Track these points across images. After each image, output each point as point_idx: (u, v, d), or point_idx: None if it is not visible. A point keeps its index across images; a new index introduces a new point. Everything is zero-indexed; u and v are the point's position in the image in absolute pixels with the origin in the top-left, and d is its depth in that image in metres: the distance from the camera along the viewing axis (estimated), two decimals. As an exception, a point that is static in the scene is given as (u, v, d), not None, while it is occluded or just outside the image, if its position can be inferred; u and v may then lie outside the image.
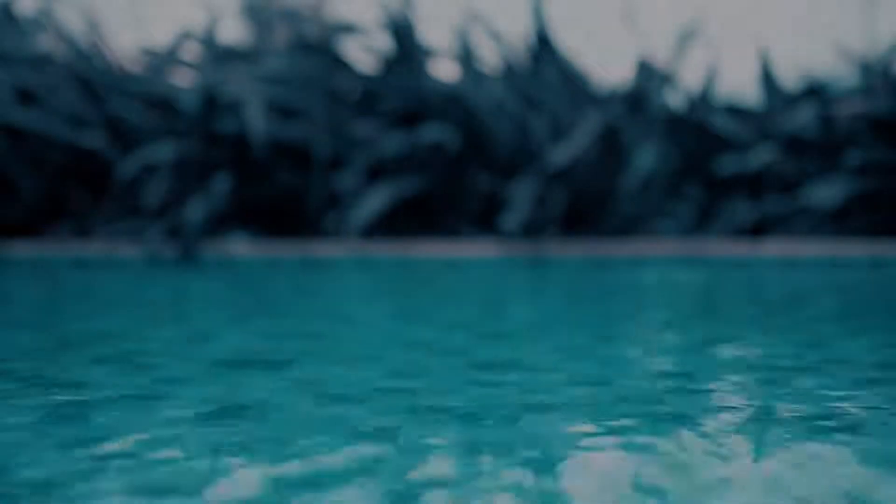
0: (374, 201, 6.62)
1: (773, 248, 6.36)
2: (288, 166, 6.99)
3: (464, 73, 7.28)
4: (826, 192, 6.84)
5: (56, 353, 2.19)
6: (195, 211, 6.38)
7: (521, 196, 6.70)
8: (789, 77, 7.75)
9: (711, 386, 1.77)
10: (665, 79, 7.39)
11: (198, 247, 6.20)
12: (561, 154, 6.86)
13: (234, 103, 6.81)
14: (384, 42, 7.39)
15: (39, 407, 1.58)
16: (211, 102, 6.76)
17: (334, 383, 1.80)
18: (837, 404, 1.59)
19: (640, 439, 1.35)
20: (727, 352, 2.22)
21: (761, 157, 6.98)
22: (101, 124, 6.93)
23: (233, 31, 7.62)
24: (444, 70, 7.41)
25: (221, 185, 6.63)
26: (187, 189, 6.69)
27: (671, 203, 7.15)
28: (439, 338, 2.47)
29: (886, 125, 7.14)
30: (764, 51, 7.58)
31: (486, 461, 1.22)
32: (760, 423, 1.44)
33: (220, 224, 6.77)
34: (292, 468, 1.19)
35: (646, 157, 7.03)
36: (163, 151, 6.65)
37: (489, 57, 7.56)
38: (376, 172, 7.02)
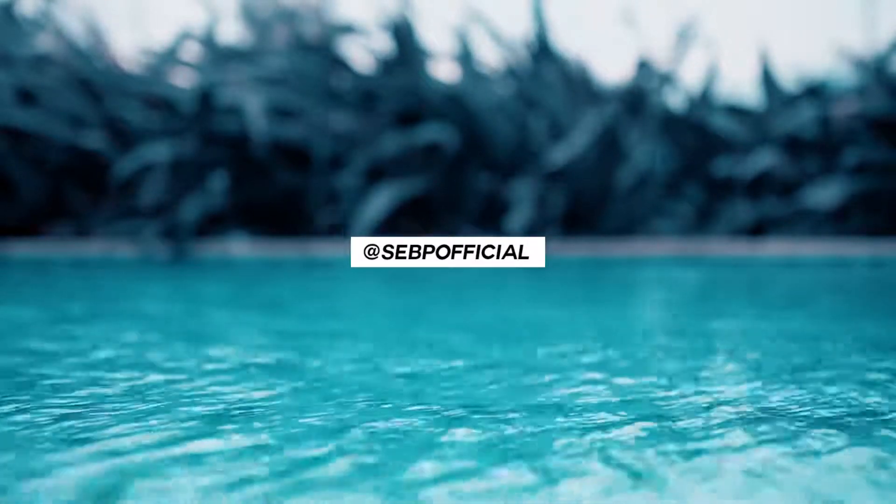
0: (380, 202, 6.61)
1: (772, 247, 6.36)
2: (287, 166, 6.99)
3: (464, 73, 7.28)
4: (825, 193, 6.84)
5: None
6: (189, 210, 6.38)
7: (522, 196, 6.69)
8: (789, 77, 7.75)
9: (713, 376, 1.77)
10: (665, 79, 7.38)
11: (189, 246, 6.19)
12: (560, 154, 6.85)
13: (233, 103, 6.81)
14: (384, 42, 7.38)
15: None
16: (208, 101, 6.75)
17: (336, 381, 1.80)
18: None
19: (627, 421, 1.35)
20: (732, 352, 2.22)
21: (762, 160, 6.98)
22: (101, 124, 6.93)
23: (232, 32, 7.61)
24: (444, 70, 7.40)
25: (217, 184, 6.62)
26: (184, 189, 6.69)
27: (671, 203, 7.15)
28: (443, 338, 2.47)
29: (885, 125, 7.14)
30: (764, 51, 7.58)
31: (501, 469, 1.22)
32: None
33: (219, 224, 6.76)
34: (289, 462, 1.19)
35: (645, 157, 7.03)
36: (159, 151, 6.65)
37: (489, 57, 7.55)
38: (376, 173, 7.02)
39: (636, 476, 1.16)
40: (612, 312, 3.20)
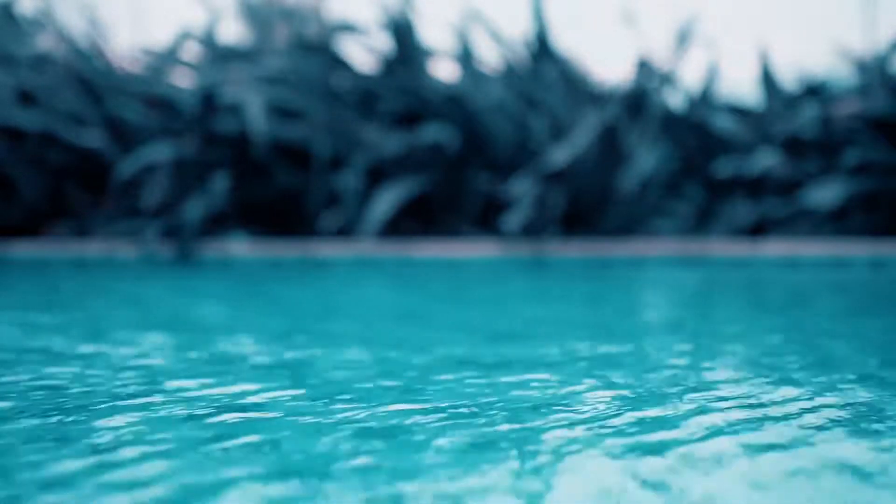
0: (386, 202, 6.61)
1: (772, 248, 6.36)
2: (288, 166, 6.99)
3: (464, 73, 7.28)
4: (825, 193, 6.84)
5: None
6: (193, 210, 6.38)
7: (522, 196, 6.69)
8: (789, 77, 7.75)
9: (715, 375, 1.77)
10: (665, 79, 7.38)
11: (195, 246, 6.20)
12: (561, 154, 6.85)
13: (234, 103, 6.81)
14: (384, 42, 7.38)
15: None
16: (210, 102, 6.75)
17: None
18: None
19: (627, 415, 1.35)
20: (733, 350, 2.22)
21: (763, 161, 6.98)
22: (101, 124, 6.93)
23: (233, 31, 7.62)
24: (444, 70, 7.41)
25: (220, 184, 6.63)
26: (186, 189, 6.69)
27: (671, 203, 7.15)
28: (442, 337, 2.47)
29: (885, 125, 7.14)
30: (764, 51, 7.58)
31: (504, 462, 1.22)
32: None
33: (219, 224, 6.76)
34: (292, 459, 1.20)
35: (645, 158, 7.03)
36: (161, 151, 6.65)
37: (489, 57, 7.55)
38: (376, 173, 7.02)
39: (635, 476, 1.16)
40: (612, 312, 3.20)
